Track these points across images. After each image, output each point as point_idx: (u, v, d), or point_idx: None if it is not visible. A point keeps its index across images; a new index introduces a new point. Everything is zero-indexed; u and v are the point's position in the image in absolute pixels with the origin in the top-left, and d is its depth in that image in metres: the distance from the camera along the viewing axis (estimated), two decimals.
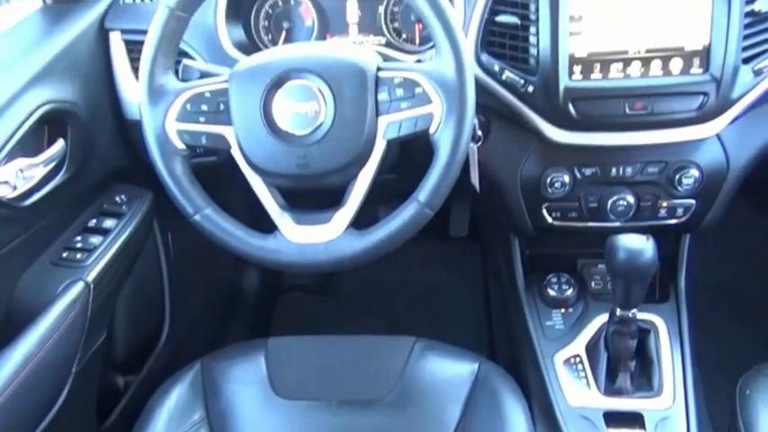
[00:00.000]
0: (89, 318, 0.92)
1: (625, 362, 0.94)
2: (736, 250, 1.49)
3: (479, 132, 0.93)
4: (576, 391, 0.96)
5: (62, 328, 0.86)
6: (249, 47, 1.01)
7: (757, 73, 0.84)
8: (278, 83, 0.75)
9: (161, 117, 0.77)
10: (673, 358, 0.97)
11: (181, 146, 0.78)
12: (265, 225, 0.80)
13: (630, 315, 0.89)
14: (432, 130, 0.74)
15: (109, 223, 1.00)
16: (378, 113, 0.74)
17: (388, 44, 1.03)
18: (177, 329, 1.29)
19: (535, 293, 1.08)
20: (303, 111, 0.74)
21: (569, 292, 1.06)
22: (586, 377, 0.97)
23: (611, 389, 0.95)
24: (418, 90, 0.73)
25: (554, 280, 1.07)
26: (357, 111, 0.74)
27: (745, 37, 0.83)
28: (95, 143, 0.98)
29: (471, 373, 0.88)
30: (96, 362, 0.99)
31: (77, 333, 0.91)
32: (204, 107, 0.77)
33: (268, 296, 1.61)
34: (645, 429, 0.90)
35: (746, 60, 0.83)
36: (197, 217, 0.79)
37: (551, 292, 1.06)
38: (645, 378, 0.96)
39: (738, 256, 1.49)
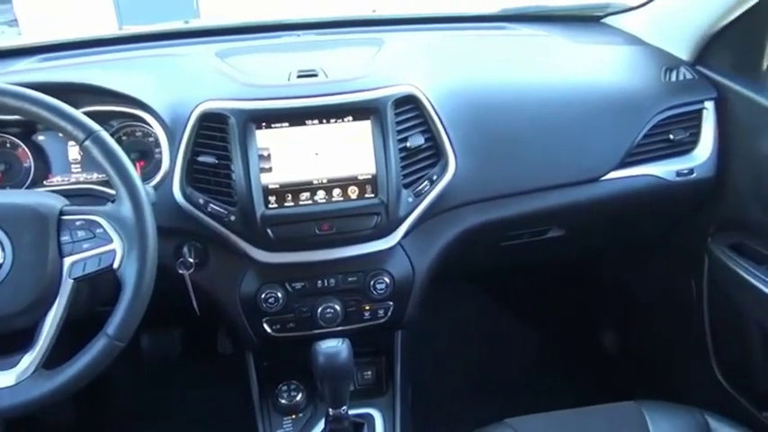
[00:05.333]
0: None
1: None
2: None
3: (191, 260, 1.01)
4: None
5: None
6: None
7: (417, 195, 1.03)
8: None
9: None
10: None
11: None
12: None
13: (342, 412, 0.99)
14: (116, 266, 0.80)
15: None
16: (61, 255, 0.79)
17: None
18: None
19: (269, 403, 1.14)
20: None
21: (299, 397, 1.13)
22: None
23: None
24: (99, 231, 0.80)
25: (284, 388, 1.14)
26: (37, 254, 0.78)
27: (403, 167, 1.02)
28: None
29: None
30: None
31: None
32: None
33: None
34: None
35: (407, 186, 1.02)
36: None
37: (282, 400, 1.13)
38: None
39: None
